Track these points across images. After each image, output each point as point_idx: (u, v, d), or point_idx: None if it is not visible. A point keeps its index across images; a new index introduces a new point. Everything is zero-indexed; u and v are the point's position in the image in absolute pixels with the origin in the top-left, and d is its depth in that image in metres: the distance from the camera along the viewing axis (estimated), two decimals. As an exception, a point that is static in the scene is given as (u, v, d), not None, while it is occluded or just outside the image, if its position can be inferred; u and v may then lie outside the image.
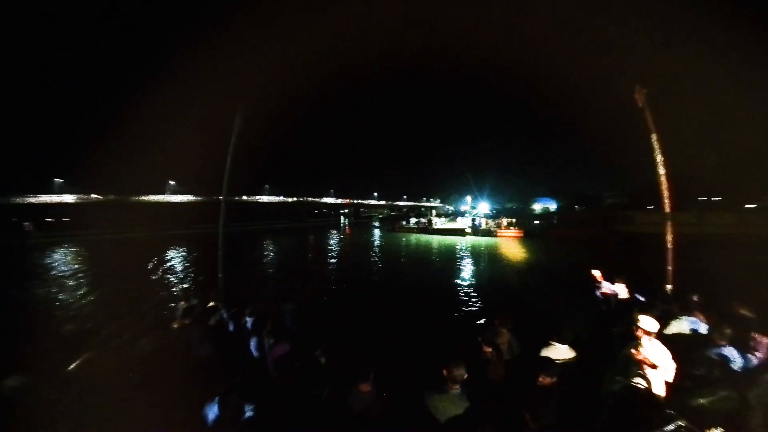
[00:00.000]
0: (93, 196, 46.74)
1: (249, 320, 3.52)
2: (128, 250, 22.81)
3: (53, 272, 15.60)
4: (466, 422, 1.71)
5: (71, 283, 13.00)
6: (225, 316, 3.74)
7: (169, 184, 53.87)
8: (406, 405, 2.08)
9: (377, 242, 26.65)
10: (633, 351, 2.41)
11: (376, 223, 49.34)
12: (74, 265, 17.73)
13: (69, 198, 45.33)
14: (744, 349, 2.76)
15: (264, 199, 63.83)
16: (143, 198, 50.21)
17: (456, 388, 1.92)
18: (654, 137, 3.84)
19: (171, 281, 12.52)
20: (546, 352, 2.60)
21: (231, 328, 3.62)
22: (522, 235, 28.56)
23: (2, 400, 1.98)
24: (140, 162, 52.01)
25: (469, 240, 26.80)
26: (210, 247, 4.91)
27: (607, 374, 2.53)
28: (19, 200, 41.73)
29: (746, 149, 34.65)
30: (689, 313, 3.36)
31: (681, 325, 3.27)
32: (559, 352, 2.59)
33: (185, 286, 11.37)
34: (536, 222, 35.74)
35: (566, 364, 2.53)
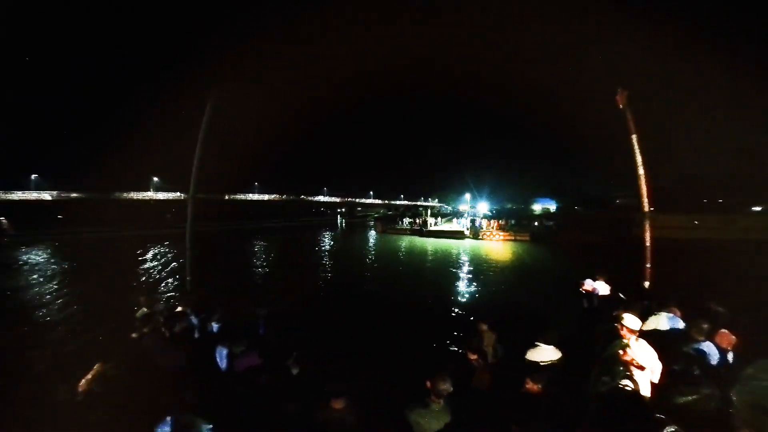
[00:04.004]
0: (73, 194, 45.04)
1: (216, 327, 3.29)
2: (106, 250, 21.99)
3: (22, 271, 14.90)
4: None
5: (36, 283, 12.39)
6: (194, 322, 3.43)
7: (154, 180, 52.31)
8: (386, 422, 1.92)
9: (362, 247, 24.67)
10: (620, 351, 2.38)
11: (372, 223, 48.83)
12: (42, 264, 16.88)
13: (47, 195, 43.57)
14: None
15: (254, 197, 62.71)
16: (126, 195, 48.65)
17: (439, 402, 1.79)
18: (634, 138, 3.88)
19: (141, 284, 11.95)
20: (531, 355, 2.54)
21: (197, 335, 3.34)
22: (527, 239, 25.52)
23: None
24: (123, 157, 50.26)
25: (468, 244, 23.54)
26: (193, 248, 4.65)
27: (592, 374, 2.55)
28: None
29: (754, 151, 33.21)
30: (667, 309, 3.38)
31: (658, 321, 3.28)
32: (545, 353, 2.53)
33: (151, 290, 10.85)
34: (547, 224, 31.81)
35: (553, 365, 2.48)
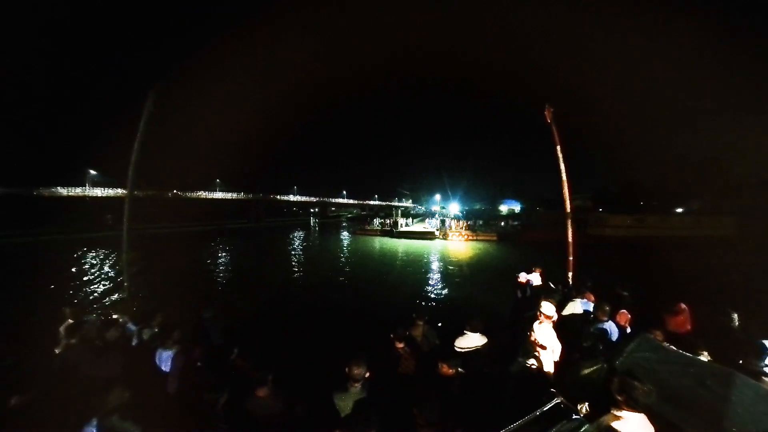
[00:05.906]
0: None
1: (155, 331, 3.14)
2: (25, 257, 18.66)
3: None
4: (353, 419, 1.71)
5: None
6: (131, 329, 3.28)
7: (90, 173, 45.20)
8: (314, 407, 2.04)
9: (317, 250, 23.32)
10: (528, 334, 2.75)
11: (345, 223, 47.81)
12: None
13: None
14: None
15: (216, 195, 57.75)
16: (53, 191, 41.23)
17: (356, 386, 1.95)
18: (558, 149, 4.49)
19: (68, 295, 10.33)
20: (459, 342, 2.82)
21: (135, 342, 3.19)
22: (494, 238, 26.72)
23: None
24: (52, 145, 42.49)
25: (437, 245, 23.45)
26: (141, 252, 4.18)
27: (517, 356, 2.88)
28: None
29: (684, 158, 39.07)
30: (582, 296, 3.97)
31: (575, 306, 3.83)
32: (472, 340, 2.83)
33: (80, 301, 9.59)
34: (513, 224, 33.47)
35: (477, 350, 2.77)
